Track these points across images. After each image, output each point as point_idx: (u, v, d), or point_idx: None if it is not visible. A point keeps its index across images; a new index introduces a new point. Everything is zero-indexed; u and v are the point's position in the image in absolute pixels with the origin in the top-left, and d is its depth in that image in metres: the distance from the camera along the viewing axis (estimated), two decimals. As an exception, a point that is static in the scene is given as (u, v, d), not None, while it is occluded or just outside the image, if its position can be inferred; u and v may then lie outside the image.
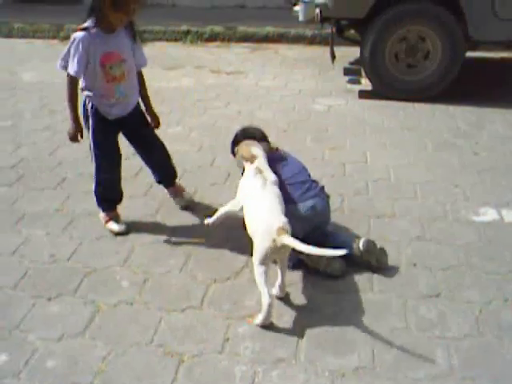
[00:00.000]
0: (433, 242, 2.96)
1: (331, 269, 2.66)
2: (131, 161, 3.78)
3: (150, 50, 6.87)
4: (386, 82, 5.00)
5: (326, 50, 5.75)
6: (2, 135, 4.35)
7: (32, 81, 5.71)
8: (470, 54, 5.22)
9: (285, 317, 2.42)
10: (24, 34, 7.40)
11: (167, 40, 7.25)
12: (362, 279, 2.66)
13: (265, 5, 8.33)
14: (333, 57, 5.22)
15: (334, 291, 2.58)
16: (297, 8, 5.37)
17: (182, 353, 2.24)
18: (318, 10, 4.86)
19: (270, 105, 4.96)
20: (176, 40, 7.24)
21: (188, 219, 3.18)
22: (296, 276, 2.67)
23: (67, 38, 7.27)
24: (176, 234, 3.04)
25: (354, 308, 2.48)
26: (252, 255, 2.41)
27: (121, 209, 3.19)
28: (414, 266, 2.75)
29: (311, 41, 7.04)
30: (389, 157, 3.94)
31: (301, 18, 5.19)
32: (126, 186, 3.52)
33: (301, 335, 2.32)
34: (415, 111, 4.79)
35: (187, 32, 7.26)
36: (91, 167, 3.74)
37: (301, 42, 7.06)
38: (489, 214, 3.20)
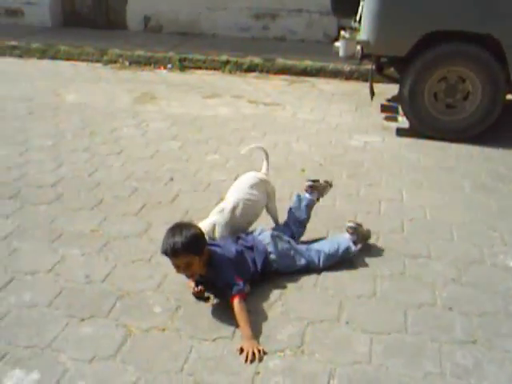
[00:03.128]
0: (469, 286, 2.90)
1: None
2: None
3: (190, 78, 7.03)
4: (424, 121, 4.98)
5: (364, 85, 5.80)
6: (43, 154, 4.43)
7: (74, 102, 5.85)
8: (510, 96, 5.18)
9: (317, 354, 2.39)
10: (69, 57, 7.61)
11: (206, 69, 7.36)
12: (395, 319, 2.62)
13: (304, 38, 8.44)
14: (372, 93, 5.24)
15: (368, 331, 2.53)
16: (337, 44, 5.41)
17: (211, 384, 2.23)
18: (359, 47, 4.91)
19: (306, 138, 4.98)
20: (215, 69, 7.35)
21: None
22: (329, 314, 2.64)
23: (111, 61, 7.53)
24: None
25: (388, 349, 2.43)
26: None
27: (155, 233, 3.22)
28: (449, 310, 2.70)
29: (349, 76, 7.06)
30: (425, 196, 3.90)
31: (341, 53, 5.23)
32: (163, 211, 3.58)
33: (332, 374, 2.28)
34: (452, 151, 4.75)
35: (226, 62, 7.36)
36: (129, 190, 3.83)
37: (338, 76, 7.09)
38: (528, 262, 3.14)
